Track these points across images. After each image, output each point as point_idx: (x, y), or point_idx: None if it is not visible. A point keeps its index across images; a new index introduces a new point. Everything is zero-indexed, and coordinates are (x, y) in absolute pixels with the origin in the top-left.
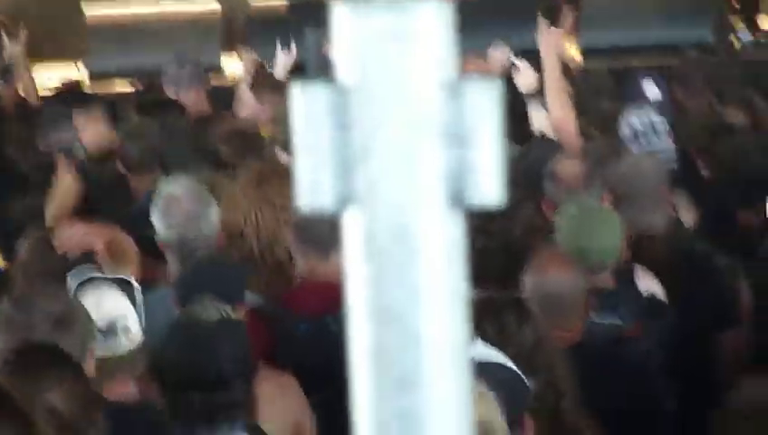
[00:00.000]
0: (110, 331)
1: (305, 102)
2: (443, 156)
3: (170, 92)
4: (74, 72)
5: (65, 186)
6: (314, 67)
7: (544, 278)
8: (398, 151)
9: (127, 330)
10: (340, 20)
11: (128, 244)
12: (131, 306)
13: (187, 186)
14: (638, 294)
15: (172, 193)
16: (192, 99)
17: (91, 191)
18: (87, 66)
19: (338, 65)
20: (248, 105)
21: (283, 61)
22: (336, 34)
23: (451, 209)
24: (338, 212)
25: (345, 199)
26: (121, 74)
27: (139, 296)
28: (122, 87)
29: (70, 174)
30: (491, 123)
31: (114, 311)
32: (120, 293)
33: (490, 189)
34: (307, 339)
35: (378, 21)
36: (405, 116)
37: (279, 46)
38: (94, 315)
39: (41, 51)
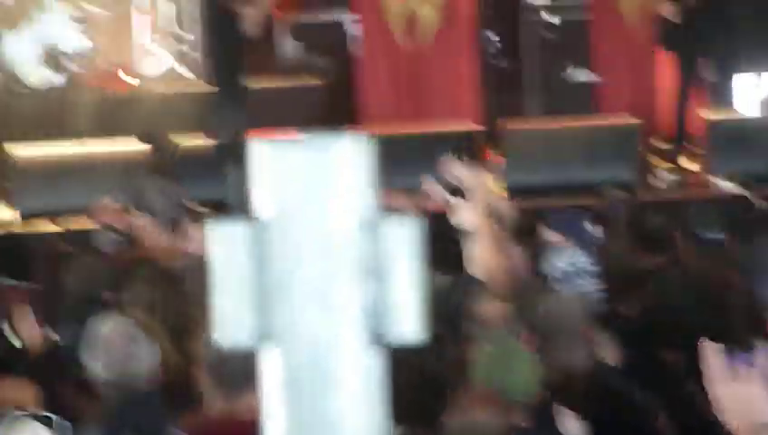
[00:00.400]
0: None
1: (221, 238)
2: (360, 292)
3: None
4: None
5: None
6: (236, 205)
7: (465, 418)
8: (316, 286)
9: None
10: (260, 155)
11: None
12: None
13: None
14: (557, 432)
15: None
16: None
17: None
18: (16, 207)
19: (256, 200)
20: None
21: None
22: (255, 170)
23: (370, 346)
24: (256, 348)
25: (263, 336)
26: (51, 214)
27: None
28: (52, 227)
29: None
30: (409, 259)
31: None
32: (44, 428)
33: (409, 326)
34: None
35: (296, 156)
36: (322, 251)
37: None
38: None
39: None
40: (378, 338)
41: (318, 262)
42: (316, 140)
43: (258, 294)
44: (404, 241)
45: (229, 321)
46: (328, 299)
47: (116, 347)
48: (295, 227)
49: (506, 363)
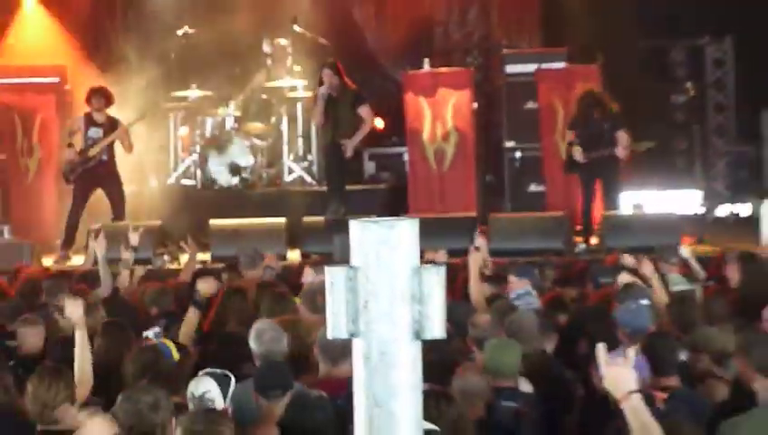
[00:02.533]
0: (202, 402)
1: (333, 275)
2: (410, 309)
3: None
4: None
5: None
6: (341, 259)
7: (464, 379)
8: (384, 306)
9: (212, 402)
10: (355, 229)
11: None
12: (218, 390)
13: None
14: (522, 391)
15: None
16: None
17: None
18: (212, 254)
19: (353, 256)
20: None
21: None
22: (353, 238)
23: (414, 340)
24: (350, 339)
25: (352, 333)
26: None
27: (231, 384)
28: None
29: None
30: (438, 290)
31: (205, 391)
32: (212, 381)
33: (436, 329)
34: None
35: (374, 230)
36: (388, 285)
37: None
38: (194, 391)
39: None
40: (418, 335)
41: (386, 291)
42: (385, 222)
43: (351, 308)
44: (435, 280)
45: (335, 322)
46: (391, 313)
47: (266, 335)
48: (373, 270)
49: (501, 350)
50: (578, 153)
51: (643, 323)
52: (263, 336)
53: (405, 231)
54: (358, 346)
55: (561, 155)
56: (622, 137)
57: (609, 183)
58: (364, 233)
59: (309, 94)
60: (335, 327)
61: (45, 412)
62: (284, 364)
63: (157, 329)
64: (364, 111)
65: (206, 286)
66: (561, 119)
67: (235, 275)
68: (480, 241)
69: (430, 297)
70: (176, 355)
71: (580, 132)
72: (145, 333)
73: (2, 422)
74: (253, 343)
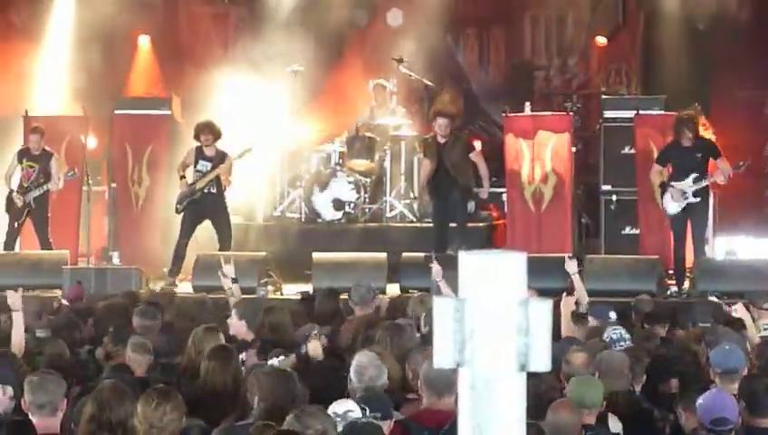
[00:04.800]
0: (344, 419)
1: (441, 307)
2: (516, 341)
3: None
4: None
5: None
6: (436, 291)
7: (557, 414)
8: (490, 336)
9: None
10: (464, 261)
11: None
12: (358, 407)
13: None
14: (608, 429)
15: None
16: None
17: None
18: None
19: (460, 287)
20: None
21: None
22: (462, 268)
23: (518, 373)
24: (455, 368)
25: (459, 362)
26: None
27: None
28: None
29: None
30: (544, 323)
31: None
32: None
33: (542, 362)
34: None
35: (478, 262)
36: (495, 317)
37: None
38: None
39: None
40: (523, 367)
41: (490, 323)
42: (494, 254)
43: (458, 339)
44: (542, 313)
45: (442, 352)
46: (496, 344)
47: (368, 370)
48: (481, 301)
49: (586, 387)
50: (670, 205)
51: (736, 365)
52: (364, 373)
53: (513, 263)
54: (463, 376)
55: (657, 198)
56: (719, 164)
57: (699, 226)
58: (473, 264)
59: (413, 134)
60: (441, 357)
61: (152, 432)
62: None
63: (282, 357)
64: (477, 155)
65: (314, 349)
66: None
67: (346, 309)
68: (570, 264)
69: (536, 329)
70: None
71: (675, 166)
72: (270, 362)
73: None
74: (354, 377)
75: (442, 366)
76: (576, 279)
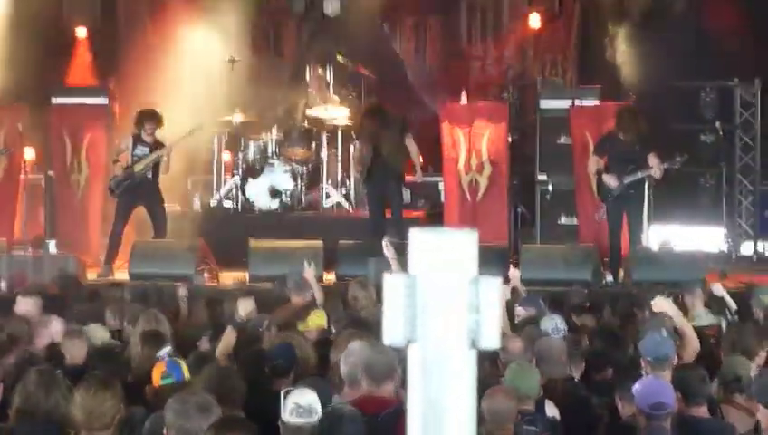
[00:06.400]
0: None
1: (393, 283)
2: (467, 318)
3: None
4: None
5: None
6: (375, 282)
7: (493, 400)
8: (441, 313)
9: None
10: (415, 237)
11: None
12: (317, 399)
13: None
14: (545, 415)
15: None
16: None
17: None
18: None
19: (411, 264)
20: None
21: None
22: (413, 246)
23: (470, 349)
24: (405, 346)
25: (409, 339)
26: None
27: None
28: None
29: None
30: (495, 301)
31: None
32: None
33: (492, 339)
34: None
35: (433, 237)
36: (446, 294)
37: None
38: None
39: None
40: (474, 344)
41: (442, 300)
42: (446, 231)
43: (408, 316)
44: (493, 290)
45: (393, 328)
46: (448, 321)
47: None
48: (430, 280)
49: (522, 374)
50: (612, 180)
51: (666, 353)
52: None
53: (464, 241)
54: (414, 352)
55: (592, 186)
56: (654, 159)
57: (635, 217)
58: (424, 241)
59: (349, 122)
60: (392, 334)
61: (91, 420)
62: (325, 381)
63: (168, 348)
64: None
65: (246, 307)
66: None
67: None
68: (513, 272)
69: (487, 307)
70: (187, 375)
71: (611, 158)
72: (158, 354)
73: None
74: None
75: (393, 343)
76: (516, 286)
